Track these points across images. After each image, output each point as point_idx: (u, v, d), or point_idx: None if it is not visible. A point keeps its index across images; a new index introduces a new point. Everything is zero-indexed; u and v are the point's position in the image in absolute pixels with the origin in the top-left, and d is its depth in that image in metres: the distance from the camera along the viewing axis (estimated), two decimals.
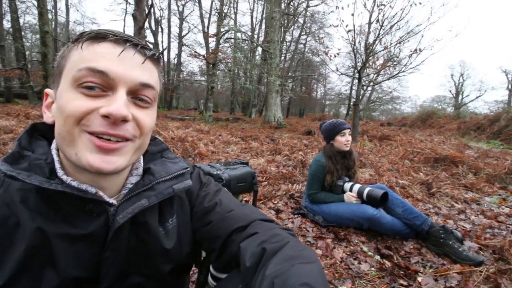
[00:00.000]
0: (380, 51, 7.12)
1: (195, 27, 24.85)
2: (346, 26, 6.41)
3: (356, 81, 7.16)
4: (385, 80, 9.58)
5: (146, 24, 11.06)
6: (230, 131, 7.44)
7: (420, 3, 6.15)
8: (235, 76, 18.03)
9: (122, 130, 0.44)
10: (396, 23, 6.54)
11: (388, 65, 7.65)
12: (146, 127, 0.48)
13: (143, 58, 0.47)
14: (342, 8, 6.53)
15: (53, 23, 16.66)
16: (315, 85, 30.37)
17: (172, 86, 22.16)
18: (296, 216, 2.21)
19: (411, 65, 6.72)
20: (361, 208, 1.89)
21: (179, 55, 24.47)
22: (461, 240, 1.73)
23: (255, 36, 21.51)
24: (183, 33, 24.34)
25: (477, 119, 9.97)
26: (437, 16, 6.64)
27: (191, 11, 37.14)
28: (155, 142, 0.64)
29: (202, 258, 0.75)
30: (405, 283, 1.42)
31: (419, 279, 1.44)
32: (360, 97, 10.35)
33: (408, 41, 6.80)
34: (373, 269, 1.54)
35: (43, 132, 0.54)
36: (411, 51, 6.46)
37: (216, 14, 14.76)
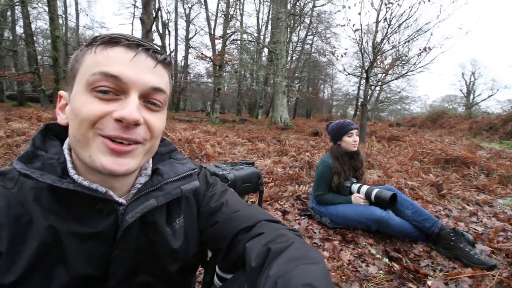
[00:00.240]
0: (388, 50, 7.04)
1: (202, 29, 25.15)
2: (353, 25, 6.38)
3: (363, 81, 7.08)
4: (393, 80, 9.45)
5: (154, 27, 11.22)
6: (236, 132, 7.46)
7: (429, 1, 6.05)
8: (241, 77, 18.12)
9: (134, 133, 0.46)
10: (405, 21, 6.46)
11: (396, 64, 7.54)
12: (156, 130, 0.50)
13: (154, 62, 0.48)
14: (349, 7, 6.50)
15: (63, 28, 17.10)
16: (322, 86, 30.23)
17: (180, 88, 22.40)
18: (302, 217, 2.20)
19: (420, 64, 6.63)
20: (369, 209, 1.86)
21: (186, 57, 24.71)
22: (473, 243, 1.68)
23: (261, 37, 21.57)
24: (190, 35, 24.58)
25: (489, 118, 9.70)
26: (446, 13, 6.48)
27: (198, 14, 37.42)
28: (164, 143, 0.65)
29: (208, 259, 0.76)
30: (414, 287, 1.39)
31: (429, 282, 1.40)
32: (368, 97, 10.24)
33: (417, 39, 6.71)
34: (381, 272, 1.52)
35: (56, 133, 0.55)
36: (420, 49, 6.37)
37: (222, 16, 14.89)
